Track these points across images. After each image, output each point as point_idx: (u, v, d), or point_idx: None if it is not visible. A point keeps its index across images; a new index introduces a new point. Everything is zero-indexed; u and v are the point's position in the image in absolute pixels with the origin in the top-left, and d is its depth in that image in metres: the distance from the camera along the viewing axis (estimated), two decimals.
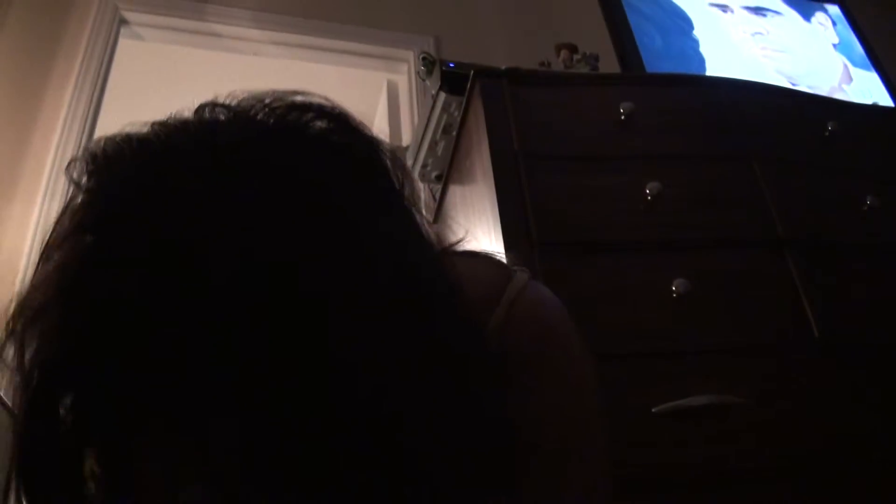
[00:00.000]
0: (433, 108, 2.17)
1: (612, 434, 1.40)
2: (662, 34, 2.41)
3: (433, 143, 2.27)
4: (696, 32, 2.47)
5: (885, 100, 2.55)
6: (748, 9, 2.60)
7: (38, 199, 2.32)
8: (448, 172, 2.22)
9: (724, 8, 2.57)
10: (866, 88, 2.58)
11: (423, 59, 2.23)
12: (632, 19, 2.37)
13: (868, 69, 2.66)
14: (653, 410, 1.45)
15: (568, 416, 0.90)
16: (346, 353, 0.60)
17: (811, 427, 1.51)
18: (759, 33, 2.53)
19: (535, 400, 0.83)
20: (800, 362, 1.59)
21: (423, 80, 2.35)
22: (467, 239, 0.93)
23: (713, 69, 2.38)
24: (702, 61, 2.40)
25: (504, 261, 0.96)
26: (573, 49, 2.31)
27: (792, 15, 2.71)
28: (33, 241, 2.22)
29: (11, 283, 1.58)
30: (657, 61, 2.30)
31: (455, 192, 2.16)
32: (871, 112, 2.29)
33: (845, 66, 2.63)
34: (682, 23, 2.49)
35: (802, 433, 1.50)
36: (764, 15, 2.61)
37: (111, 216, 0.62)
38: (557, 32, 2.63)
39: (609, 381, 1.48)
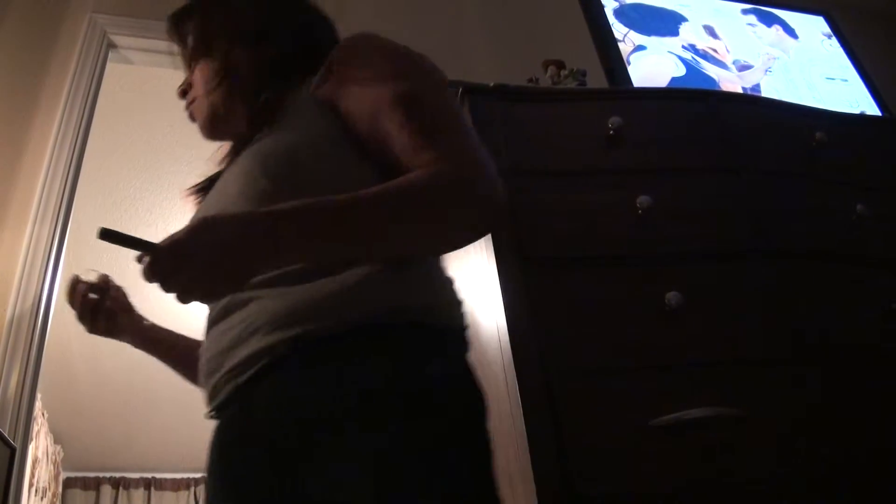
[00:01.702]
0: None
1: (611, 447, 1.40)
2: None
3: None
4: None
5: (872, 108, 2.56)
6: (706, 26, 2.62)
7: (28, 225, 2.31)
8: None
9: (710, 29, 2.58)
10: (853, 98, 2.59)
11: None
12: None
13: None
14: (651, 424, 1.45)
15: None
16: None
17: (808, 436, 1.51)
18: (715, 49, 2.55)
19: None
20: (794, 372, 1.59)
21: None
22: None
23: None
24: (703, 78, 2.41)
25: None
26: (561, 65, 2.31)
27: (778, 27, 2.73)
28: (24, 266, 2.21)
29: (2, 307, 1.57)
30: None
31: None
32: (859, 121, 2.30)
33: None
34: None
35: (799, 443, 1.50)
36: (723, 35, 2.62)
37: None
38: (545, 49, 2.63)
39: (605, 395, 1.48)
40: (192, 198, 1.35)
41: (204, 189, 1.32)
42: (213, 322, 1.09)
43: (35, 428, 2.19)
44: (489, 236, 1.64)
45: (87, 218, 3.30)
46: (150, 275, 0.89)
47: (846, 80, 2.66)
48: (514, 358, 1.48)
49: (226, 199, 1.12)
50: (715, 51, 2.52)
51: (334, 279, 0.99)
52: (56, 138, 2.47)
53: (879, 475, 1.51)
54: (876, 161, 2.06)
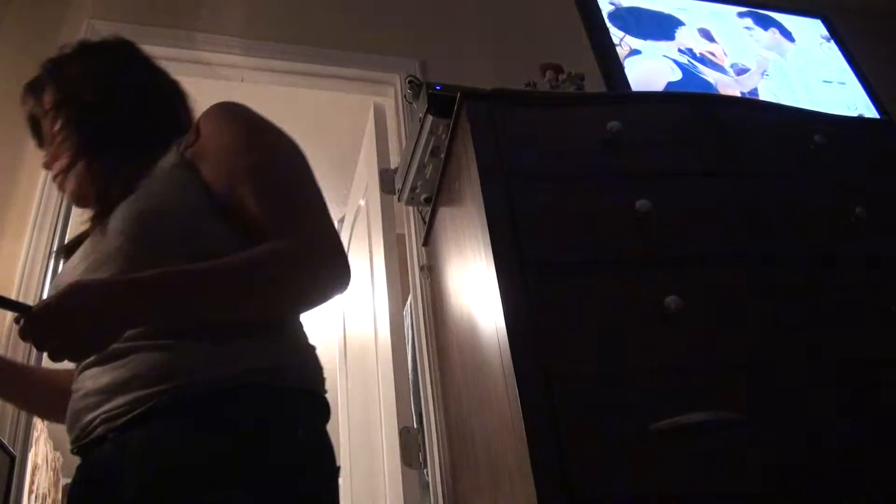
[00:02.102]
0: (421, 130, 2.18)
1: (611, 451, 1.40)
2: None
3: (422, 166, 2.27)
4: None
5: (870, 111, 2.56)
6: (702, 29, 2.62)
7: (27, 235, 2.31)
8: (437, 194, 2.22)
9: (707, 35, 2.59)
10: (850, 101, 2.59)
11: (410, 82, 2.24)
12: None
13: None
14: (650, 428, 1.45)
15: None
16: None
17: (809, 441, 1.51)
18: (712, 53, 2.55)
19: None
20: (795, 376, 1.59)
21: (410, 103, 2.35)
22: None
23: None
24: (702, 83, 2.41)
25: None
26: (559, 69, 2.32)
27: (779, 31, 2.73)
28: (23, 274, 2.21)
29: (2, 317, 1.57)
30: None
31: (444, 214, 2.16)
32: (857, 124, 2.31)
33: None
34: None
35: (800, 447, 1.50)
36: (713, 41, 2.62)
37: None
38: (542, 53, 2.64)
39: (605, 399, 1.48)
40: (60, 258, 1.44)
41: (72, 248, 1.36)
42: (88, 365, 1.17)
43: (35, 434, 2.19)
44: (489, 240, 1.64)
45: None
46: (24, 335, 0.99)
47: (843, 83, 2.66)
48: (514, 362, 1.48)
49: (91, 261, 1.20)
50: (713, 54, 2.52)
51: (202, 340, 1.10)
52: None
53: (885, 478, 1.51)
54: (874, 163, 2.06)
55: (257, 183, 1.19)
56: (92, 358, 1.14)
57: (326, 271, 1.15)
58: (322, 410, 1.20)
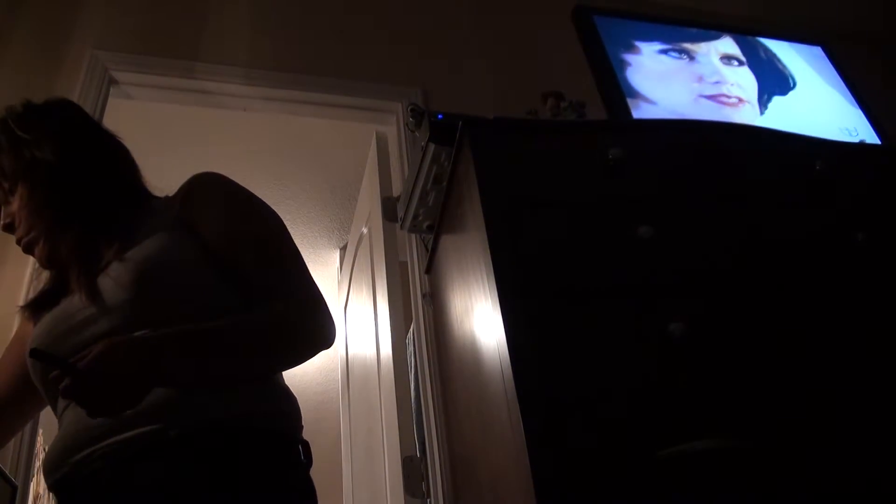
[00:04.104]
0: (423, 159, 2.18)
1: (618, 481, 1.39)
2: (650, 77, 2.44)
3: (424, 194, 2.28)
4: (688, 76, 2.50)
5: (871, 137, 2.57)
6: (725, 57, 2.64)
7: (30, 262, 2.31)
8: (439, 222, 2.22)
9: (690, 56, 2.60)
10: (851, 126, 2.60)
11: (412, 110, 2.24)
12: (619, 63, 2.40)
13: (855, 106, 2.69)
14: (657, 455, 1.44)
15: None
16: None
17: (815, 467, 1.50)
18: (719, 82, 2.56)
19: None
20: (801, 401, 1.58)
21: (412, 132, 2.36)
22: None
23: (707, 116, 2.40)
24: (701, 108, 2.42)
25: None
26: (560, 97, 2.33)
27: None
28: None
29: (6, 343, 1.57)
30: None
31: (447, 242, 2.16)
32: (858, 150, 2.31)
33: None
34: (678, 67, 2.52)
35: (809, 473, 1.49)
36: (739, 63, 2.64)
37: None
38: (543, 81, 2.65)
39: (611, 428, 1.47)
40: (28, 312, 1.42)
41: (42, 304, 1.38)
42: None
43: (36, 464, 2.18)
44: (491, 268, 1.64)
45: None
46: (69, 394, 1.04)
47: (843, 109, 2.67)
48: (517, 390, 1.48)
49: (88, 314, 1.23)
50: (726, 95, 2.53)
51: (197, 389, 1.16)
52: None
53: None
54: (876, 189, 2.06)
55: (258, 252, 1.31)
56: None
57: (320, 328, 1.27)
58: (308, 455, 1.29)
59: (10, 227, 1.40)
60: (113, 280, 1.23)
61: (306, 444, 1.28)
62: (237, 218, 1.35)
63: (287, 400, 1.29)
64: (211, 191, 1.37)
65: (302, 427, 1.31)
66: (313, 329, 1.27)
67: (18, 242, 1.39)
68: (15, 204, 1.38)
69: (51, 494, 4.72)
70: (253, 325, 1.22)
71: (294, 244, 1.39)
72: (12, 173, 1.37)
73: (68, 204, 1.35)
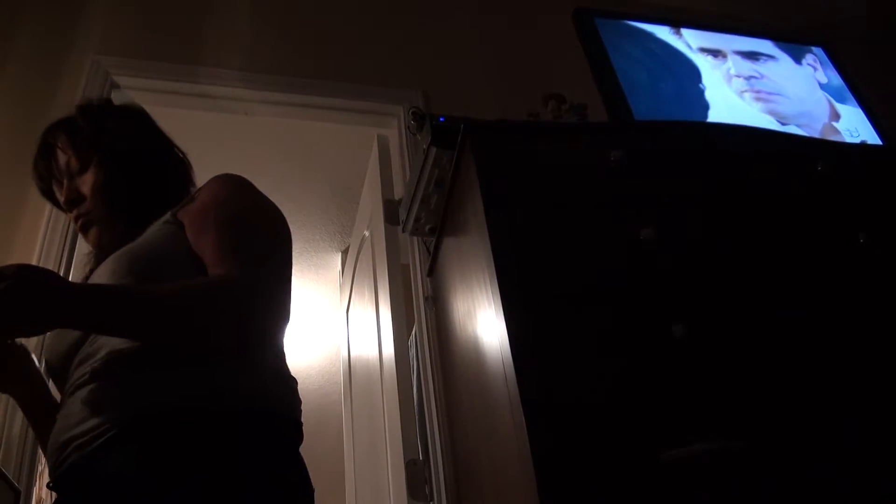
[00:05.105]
0: (425, 162, 2.18)
1: (621, 483, 1.39)
2: (654, 78, 2.44)
3: (426, 197, 2.27)
4: (691, 76, 2.50)
5: (872, 137, 2.57)
6: (741, 54, 2.64)
7: (34, 260, 2.32)
8: (441, 225, 2.22)
9: (715, 54, 2.60)
10: (852, 126, 2.60)
11: (413, 113, 2.24)
12: (619, 64, 2.40)
13: (854, 107, 2.69)
14: (660, 458, 1.43)
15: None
16: None
17: (819, 471, 1.50)
18: (754, 77, 2.56)
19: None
20: (803, 404, 1.58)
21: (414, 135, 2.36)
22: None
23: (713, 115, 2.40)
24: (706, 107, 2.42)
25: None
26: (561, 99, 2.33)
27: (784, 58, 2.74)
28: None
29: None
30: (657, 106, 2.32)
31: (449, 245, 2.16)
32: (860, 151, 2.31)
33: (831, 103, 2.65)
34: (681, 68, 2.52)
35: (812, 476, 1.49)
36: (757, 60, 2.64)
37: None
38: (544, 82, 2.65)
39: (614, 429, 1.47)
40: None
41: None
42: (71, 388, 1.19)
43: (38, 468, 2.17)
44: (493, 270, 1.63)
45: None
46: None
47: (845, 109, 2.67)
48: (521, 392, 1.47)
49: None
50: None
51: (168, 365, 1.14)
52: None
53: None
54: (878, 190, 2.06)
55: (219, 231, 1.25)
56: (76, 379, 1.18)
57: (243, 310, 1.16)
58: (285, 429, 1.22)
59: (71, 203, 1.46)
60: (102, 267, 1.29)
61: (291, 422, 1.23)
62: (219, 204, 1.31)
63: (273, 380, 1.24)
64: (209, 187, 1.37)
65: (293, 407, 1.26)
66: (220, 309, 1.15)
67: (76, 220, 1.47)
68: (84, 185, 1.44)
69: (53, 500, 4.73)
70: (168, 288, 1.14)
71: (281, 242, 1.34)
72: (86, 155, 1.45)
73: (131, 199, 1.43)
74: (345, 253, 4.34)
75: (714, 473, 1.44)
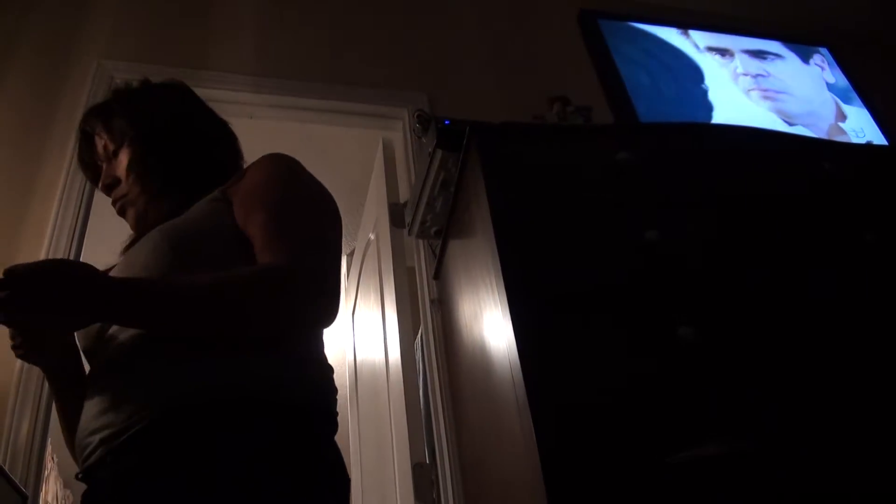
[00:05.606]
0: (430, 164, 2.18)
1: (628, 486, 1.38)
2: (655, 80, 2.44)
3: (431, 200, 2.27)
4: (694, 77, 2.49)
5: (878, 138, 2.56)
6: (748, 52, 2.64)
7: (48, 230, 2.33)
8: (447, 227, 2.22)
9: (723, 53, 2.60)
10: (858, 127, 2.60)
11: (419, 116, 2.24)
12: (621, 66, 2.40)
13: (860, 107, 2.68)
14: (666, 461, 1.43)
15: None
16: None
17: (824, 471, 1.49)
18: (761, 75, 2.56)
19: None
20: (812, 405, 1.58)
21: (419, 138, 2.36)
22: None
23: (717, 115, 2.40)
24: (708, 107, 2.42)
25: None
26: (566, 101, 2.33)
27: (791, 57, 2.74)
28: None
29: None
30: (659, 107, 2.32)
31: (455, 247, 2.16)
32: (865, 151, 2.31)
33: (837, 104, 2.65)
34: (684, 69, 2.51)
35: (818, 478, 1.48)
36: (764, 58, 2.64)
37: None
38: (549, 85, 2.65)
39: (622, 432, 1.47)
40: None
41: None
42: (97, 377, 1.17)
43: (45, 473, 2.18)
44: (500, 272, 1.63)
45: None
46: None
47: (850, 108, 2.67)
48: (528, 395, 1.47)
49: (134, 265, 1.23)
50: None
51: (203, 358, 1.09)
52: (65, 180, 2.47)
53: None
54: (883, 189, 2.06)
55: (270, 212, 1.22)
56: (105, 358, 1.16)
57: (302, 300, 1.13)
58: (326, 420, 1.21)
59: (109, 188, 1.45)
60: (143, 243, 1.26)
61: (325, 413, 1.19)
62: (270, 185, 1.28)
63: (301, 369, 1.19)
64: (259, 165, 1.35)
65: (332, 397, 1.23)
66: (296, 297, 1.12)
67: (114, 203, 1.45)
68: (118, 168, 1.43)
69: (60, 502, 4.74)
70: (214, 278, 1.10)
71: (331, 223, 1.34)
72: (121, 137, 1.43)
73: (169, 178, 1.40)
74: (350, 256, 4.33)
75: (724, 476, 1.43)
